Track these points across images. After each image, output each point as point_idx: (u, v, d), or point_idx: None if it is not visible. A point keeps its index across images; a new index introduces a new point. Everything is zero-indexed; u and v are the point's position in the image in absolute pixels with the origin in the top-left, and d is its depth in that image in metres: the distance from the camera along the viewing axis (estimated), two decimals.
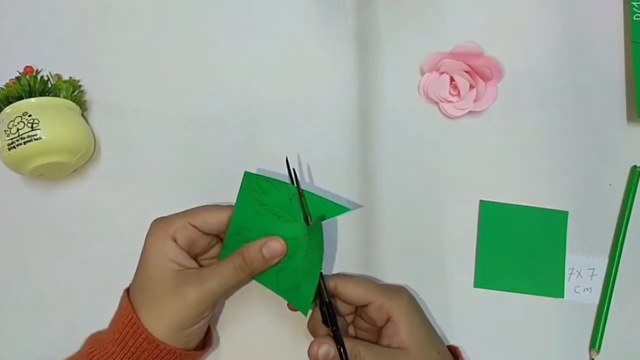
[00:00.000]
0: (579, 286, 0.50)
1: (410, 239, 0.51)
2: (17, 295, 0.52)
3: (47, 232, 0.52)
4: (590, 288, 0.50)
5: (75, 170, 0.53)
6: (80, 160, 0.51)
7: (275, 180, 0.46)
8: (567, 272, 0.50)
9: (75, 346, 0.46)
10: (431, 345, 0.44)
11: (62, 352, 0.45)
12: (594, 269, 0.50)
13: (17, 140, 0.47)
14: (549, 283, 0.50)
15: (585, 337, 0.50)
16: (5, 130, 0.47)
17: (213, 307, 0.45)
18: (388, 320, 0.44)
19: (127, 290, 0.46)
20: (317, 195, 0.46)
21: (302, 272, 0.45)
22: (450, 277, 0.51)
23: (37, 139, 0.47)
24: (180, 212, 0.46)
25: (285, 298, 0.46)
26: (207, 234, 0.47)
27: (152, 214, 0.51)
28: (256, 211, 0.46)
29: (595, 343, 0.49)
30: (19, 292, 0.52)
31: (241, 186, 0.46)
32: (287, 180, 0.46)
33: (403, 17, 0.55)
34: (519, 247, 0.51)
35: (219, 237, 0.48)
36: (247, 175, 0.46)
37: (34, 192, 0.53)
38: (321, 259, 0.43)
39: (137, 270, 0.46)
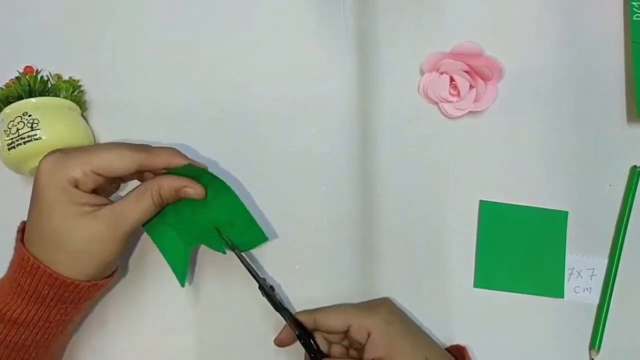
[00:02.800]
0: (578, 286, 0.50)
1: (410, 239, 0.51)
2: None
3: None
4: (590, 288, 0.50)
5: None
6: None
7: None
8: (567, 272, 0.50)
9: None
10: (415, 352, 0.44)
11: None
12: (593, 269, 0.50)
13: (17, 140, 0.47)
14: (549, 283, 0.50)
15: (585, 337, 0.50)
16: (5, 130, 0.47)
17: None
18: (368, 337, 0.44)
19: (22, 237, 0.44)
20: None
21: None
22: (450, 277, 0.51)
23: (37, 139, 0.47)
24: (78, 153, 0.44)
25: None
26: (111, 178, 0.45)
27: None
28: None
29: (595, 343, 0.49)
30: None
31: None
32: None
33: (403, 17, 0.55)
34: (519, 247, 0.51)
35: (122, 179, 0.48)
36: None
37: None
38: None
39: (34, 215, 0.43)
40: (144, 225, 0.46)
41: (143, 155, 0.45)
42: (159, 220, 0.46)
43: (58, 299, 0.43)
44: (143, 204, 0.44)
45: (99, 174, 0.43)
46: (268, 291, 0.46)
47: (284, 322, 0.46)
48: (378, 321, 0.45)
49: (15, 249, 0.44)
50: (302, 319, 0.46)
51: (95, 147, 0.45)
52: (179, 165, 0.45)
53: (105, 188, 0.48)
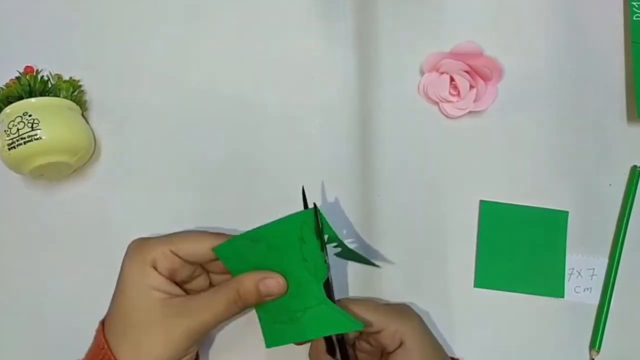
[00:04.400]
0: (579, 286, 0.50)
1: (410, 239, 0.51)
2: (16, 296, 0.52)
3: (47, 232, 0.52)
4: (590, 288, 0.50)
5: (75, 170, 0.53)
6: (80, 160, 0.51)
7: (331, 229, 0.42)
8: (567, 272, 0.50)
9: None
10: None
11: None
12: (594, 269, 0.50)
13: (17, 140, 0.47)
14: (549, 283, 0.50)
15: (585, 337, 0.50)
16: (5, 130, 0.47)
17: (201, 341, 0.43)
18: (400, 345, 0.42)
19: (103, 323, 0.43)
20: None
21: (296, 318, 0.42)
22: (450, 277, 0.51)
23: (37, 139, 0.47)
24: (160, 237, 0.43)
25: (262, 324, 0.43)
26: (189, 263, 0.43)
27: (152, 214, 0.52)
28: (288, 241, 0.41)
29: (595, 343, 0.49)
30: (18, 292, 0.52)
31: (295, 214, 0.42)
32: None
33: (403, 17, 0.55)
34: (519, 247, 0.51)
35: (202, 266, 0.45)
36: (309, 211, 0.42)
37: (34, 192, 0.53)
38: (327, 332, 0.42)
39: (114, 299, 0.43)
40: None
41: (223, 238, 0.43)
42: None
43: None
44: (217, 300, 0.41)
45: (177, 255, 0.42)
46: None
47: None
48: (414, 330, 0.42)
49: (96, 332, 0.43)
50: None
51: (178, 232, 0.44)
52: None
53: (186, 278, 0.44)
